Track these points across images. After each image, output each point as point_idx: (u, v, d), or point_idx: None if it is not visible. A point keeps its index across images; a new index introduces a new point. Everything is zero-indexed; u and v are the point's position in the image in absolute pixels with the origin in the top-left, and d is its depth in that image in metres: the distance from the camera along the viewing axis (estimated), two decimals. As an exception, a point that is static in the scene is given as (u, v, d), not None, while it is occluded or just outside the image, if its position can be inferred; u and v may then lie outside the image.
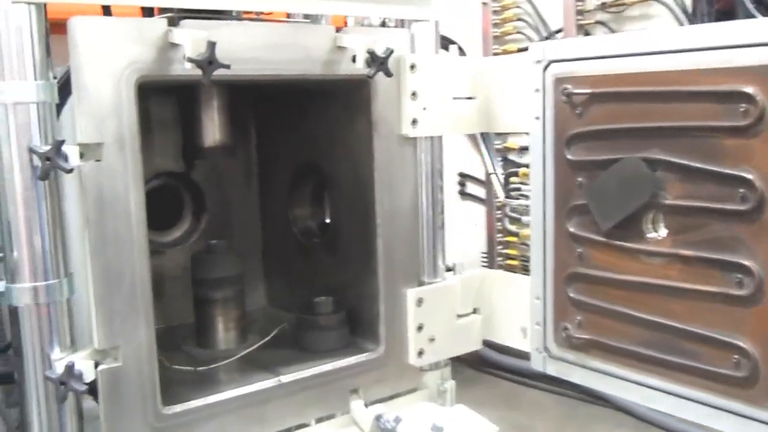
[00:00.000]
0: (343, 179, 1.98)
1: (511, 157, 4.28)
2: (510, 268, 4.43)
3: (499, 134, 4.36)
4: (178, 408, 1.57)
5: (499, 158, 4.33)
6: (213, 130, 1.90)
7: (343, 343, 1.92)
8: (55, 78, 1.44)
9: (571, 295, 1.74)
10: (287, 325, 2.02)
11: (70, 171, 1.34)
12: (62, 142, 1.32)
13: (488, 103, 1.96)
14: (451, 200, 4.97)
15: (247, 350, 1.86)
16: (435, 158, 1.93)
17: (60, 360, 1.41)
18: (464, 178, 4.96)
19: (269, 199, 2.29)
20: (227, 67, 1.43)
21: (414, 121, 1.84)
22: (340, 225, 2.05)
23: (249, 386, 1.68)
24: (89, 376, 1.42)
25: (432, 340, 1.93)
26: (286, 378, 1.73)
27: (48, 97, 1.40)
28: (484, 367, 4.80)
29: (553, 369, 1.84)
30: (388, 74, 1.68)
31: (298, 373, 1.75)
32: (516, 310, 1.93)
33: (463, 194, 5.01)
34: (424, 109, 1.85)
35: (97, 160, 1.43)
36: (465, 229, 4.86)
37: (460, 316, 2.00)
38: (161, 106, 2.07)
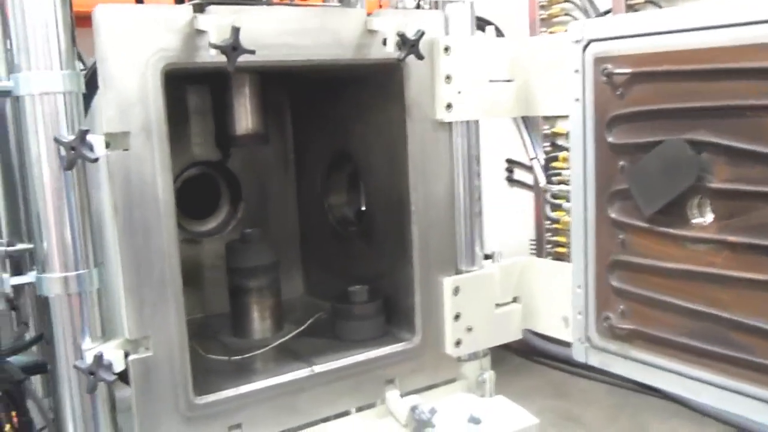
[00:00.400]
0: (377, 166, 1.94)
1: (560, 142, 4.19)
2: (559, 256, 4.35)
3: (546, 119, 4.28)
4: (210, 398, 1.56)
5: (547, 143, 4.24)
6: (245, 118, 1.88)
7: (379, 333, 1.89)
8: (83, 69, 1.43)
9: (614, 283, 1.68)
10: (324, 314, 1.99)
11: (95, 160, 1.33)
12: (86, 131, 1.32)
13: (526, 86, 1.89)
14: (498, 187, 4.89)
15: (282, 340, 1.85)
16: (471, 143, 1.87)
17: (90, 350, 1.42)
18: (512, 164, 4.88)
19: (305, 187, 2.27)
20: (252, 52, 1.41)
21: (448, 106, 1.79)
22: (375, 213, 2.01)
23: (282, 376, 1.66)
24: (119, 366, 1.42)
25: (470, 329, 1.88)
26: (319, 368, 1.70)
27: (74, 87, 1.40)
28: (534, 356, 4.73)
29: (595, 360, 1.78)
30: (420, 57, 1.63)
31: (331, 362, 1.73)
32: (557, 299, 1.87)
33: (511, 181, 4.94)
34: (459, 92, 1.80)
35: (124, 150, 1.42)
36: (513, 216, 4.79)
37: (499, 305, 1.95)
38: (197, 94, 2.07)
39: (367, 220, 2.04)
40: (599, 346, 1.75)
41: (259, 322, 1.93)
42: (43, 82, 1.37)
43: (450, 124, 1.82)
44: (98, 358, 1.37)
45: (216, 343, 1.92)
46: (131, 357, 1.47)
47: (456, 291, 1.85)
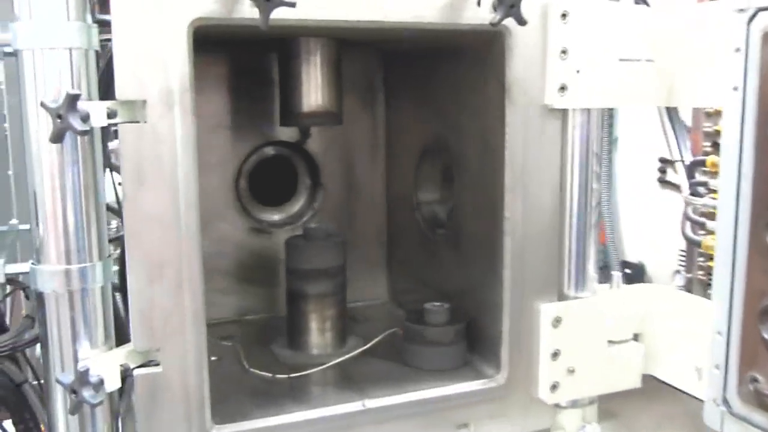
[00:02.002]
0: (470, 159, 1.59)
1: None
2: (710, 283, 3.74)
3: (709, 115, 3.68)
4: (230, 428, 1.29)
5: (708, 143, 3.64)
6: (312, 92, 1.58)
7: (456, 363, 1.55)
8: (97, 22, 1.19)
9: (766, 335, 1.25)
10: (399, 330, 1.67)
11: (83, 133, 1.08)
12: (77, 96, 1.06)
13: (670, 68, 1.47)
14: (650, 188, 4.34)
15: (338, 360, 1.55)
16: (591, 137, 1.48)
17: (86, 360, 1.18)
18: (665, 163, 4.30)
19: (396, 178, 1.95)
20: (291, 5, 1.10)
21: (563, 88, 1.41)
22: (464, 216, 1.66)
23: (324, 408, 1.37)
24: (112, 383, 1.17)
25: (571, 371, 1.50)
26: (373, 402, 1.39)
27: (83, 42, 1.15)
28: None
29: (733, 430, 1.35)
30: (521, 22, 1.26)
31: (390, 397, 1.41)
32: (690, 344, 1.46)
33: (663, 182, 4.36)
34: (578, 72, 1.41)
35: (139, 122, 1.16)
36: (664, 223, 4.23)
37: (613, 342, 1.55)
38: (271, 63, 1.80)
39: (456, 224, 1.69)
40: (740, 414, 1.33)
41: (318, 335, 1.64)
42: (45, 33, 1.13)
43: (563, 111, 1.44)
44: (82, 374, 1.12)
45: (267, 354, 1.65)
46: (137, 372, 1.22)
47: (556, 321, 1.47)
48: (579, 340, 1.50)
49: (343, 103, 1.66)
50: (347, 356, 1.56)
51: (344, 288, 1.67)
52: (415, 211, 1.83)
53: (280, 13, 1.14)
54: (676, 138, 1.77)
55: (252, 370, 1.54)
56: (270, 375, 1.51)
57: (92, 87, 1.18)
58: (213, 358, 1.61)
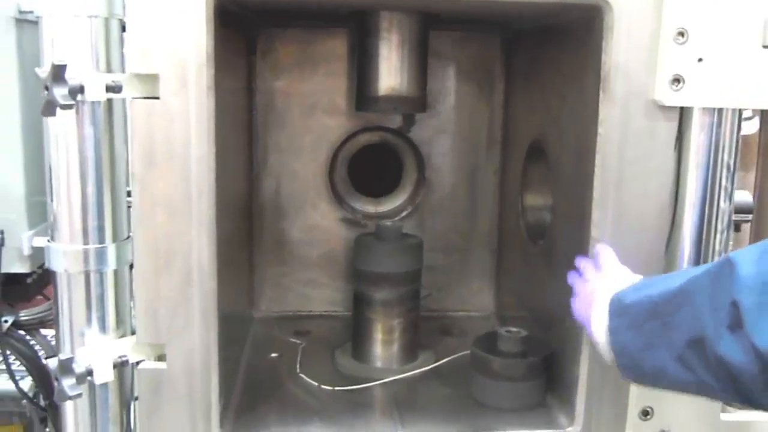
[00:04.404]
0: (566, 162, 1.33)
1: None
2: None
3: None
4: (240, 439, 1.18)
5: None
6: (389, 73, 1.39)
7: (525, 403, 1.30)
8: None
9: None
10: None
11: (65, 107, 0.99)
12: (63, 67, 0.98)
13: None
14: None
15: (387, 379, 1.37)
16: (720, 143, 1.16)
17: (94, 344, 1.12)
18: None
19: (509, 177, 1.70)
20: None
21: (677, 80, 1.11)
22: (557, 229, 1.39)
23: (350, 433, 1.21)
24: (103, 375, 1.09)
25: (666, 436, 1.20)
26: (407, 435, 1.20)
27: (103, 11, 1.07)
28: None
29: None
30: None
31: (430, 432, 1.21)
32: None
33: None
34: (700, 60, 1.10)
35: (151, 98, 1.06)
36: None
37: (729, 405, 1.22)
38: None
39: (551, 238, 1.42)
40: None
41: (382, 347, 1.46)
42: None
43: (681, 110, 1.14)
44: (64, 363, 1.05)
45: (327, 360, 1.51)
46: (141, 365, 1.14)
47: (651, 371, 1.18)
48: (680, 399, 1.19)
49: (426, 87, 1.46)
50: (400, 376, 1.38)
51: (417, 296, 1.48)
52: (520, 217, 1.58)
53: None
54: None
55: (301, 375, 1.41)
56: (316, 384, 1.37)
57: (113, 57, 1.10)
58: (273, 355, 1.52)
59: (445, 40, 1.66)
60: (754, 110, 1.69)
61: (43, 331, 1.47)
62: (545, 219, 1.51)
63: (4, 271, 1.30)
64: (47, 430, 1.81)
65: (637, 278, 1.03)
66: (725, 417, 1.22)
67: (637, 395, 1.19)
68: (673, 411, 1.20)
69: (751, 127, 1.93)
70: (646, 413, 1.20)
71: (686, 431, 1.20)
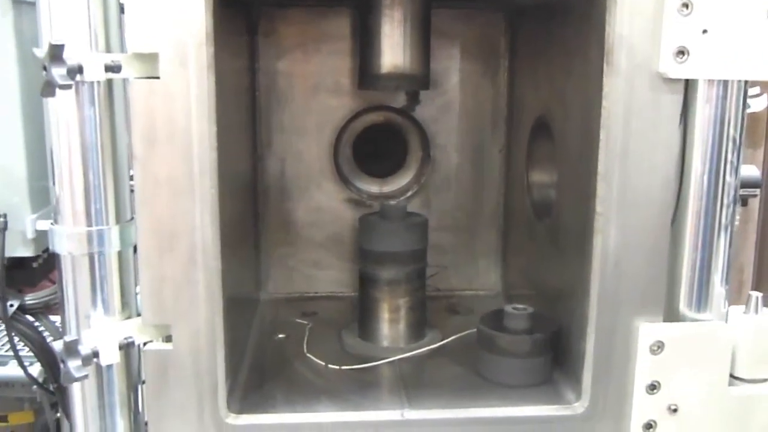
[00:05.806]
0: (570, 137, 1.31)
1: None
2: None
3: None
4: (247, 420, 1.18)
5: None
6: (392, 51, 1.38)
7: (532, 380, 1.30)
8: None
9: None
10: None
11: (64, 87, 0.99)
12: (60, 46, 0.98)
13: None
14: None
15: (395, 357, 1.37)
16: (725, 116, 1.14)
17: (99, 325, 1.12)
18: None
19: (514, 154, 1.69)
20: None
21: (682, 53, 1.09)
22: (563, 206, 1.38)
23: (356, 412, 1.21)
24: (109, 357, 1.10)
25: (674, 410, 1.20)
26: (413, 414, 1.20)
27: (109, -14, 1.07)
28: None
29: None
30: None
31: (435, 410, 1.21)
32: None
33: None
34: (705, 32, 1.09)
35: (151, 77, 1.06)
36: None
37: (738, 380, 1.22)
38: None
39: (556, 215, 1.42)
40: None
41: (389, 326, 1.46)
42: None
43: (687, 83, 1.12)
44: (69, 344, 1.05)
45: (334, 340, 1.51)
46: (147, 347, 1.14)
47: (658, 347, 1.17)
48: (688, 373, 1.19)
49: (429, 64, 1.45)
50: (406, 354, 1.38)
51: (423, 275, 1.48)
52: (526, 194, 1.57)
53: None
54: None
55: (308, 355, 1.41)
56: (323, 364, 1.37)
57: (112, 37, 1.09)
58: (280, 336, 1.53)
59: (448, 17, 1.64)
60: (762, 87, 1.68)
61: (52, 318, 1.48)
62: (551, 196, 1.50)
63: (8, 255, 1.31)
64: (58, 414, 1.83)
65: None
66: (733, 391, 1.21)
67: (644, 370, 1.19)
68: (681, 385, 1.19)
69: (760, 104, 1.92)
70: (653, 387, 1.19)
71: (693, 405, 1.19)
